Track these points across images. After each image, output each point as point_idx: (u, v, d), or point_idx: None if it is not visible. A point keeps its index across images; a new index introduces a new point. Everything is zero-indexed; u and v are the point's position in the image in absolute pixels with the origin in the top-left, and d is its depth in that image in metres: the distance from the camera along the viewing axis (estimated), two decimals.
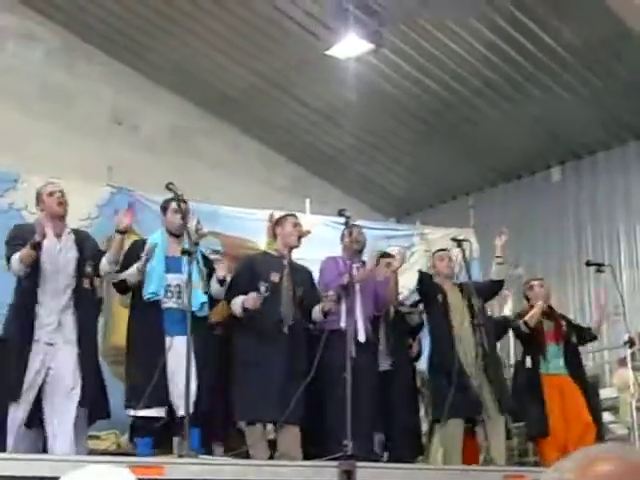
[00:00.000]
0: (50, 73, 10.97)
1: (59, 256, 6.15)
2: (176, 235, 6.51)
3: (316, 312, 6.82)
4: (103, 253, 6.38)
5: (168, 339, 6.24)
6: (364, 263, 7.34)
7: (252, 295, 6.52)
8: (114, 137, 11.27)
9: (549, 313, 8.33)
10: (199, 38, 10.92)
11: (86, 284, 6.25)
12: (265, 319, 6.60)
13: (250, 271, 6.81)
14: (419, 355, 8.26)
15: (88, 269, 6.27)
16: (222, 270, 6.49)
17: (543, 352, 8.02)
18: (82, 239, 6.35)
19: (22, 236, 6.07)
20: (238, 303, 6.61)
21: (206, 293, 6.20)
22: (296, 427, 6.53)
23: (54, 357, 5.93)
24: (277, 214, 7.43)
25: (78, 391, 5.92)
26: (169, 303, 6.33)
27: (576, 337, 8.28)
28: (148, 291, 6.34)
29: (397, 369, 7.60)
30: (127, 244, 6.87)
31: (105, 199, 8.65)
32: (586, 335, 8.40)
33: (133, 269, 6.31)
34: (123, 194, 8.76)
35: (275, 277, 6.74)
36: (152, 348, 6.22)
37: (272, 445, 6.56)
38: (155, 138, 11.71)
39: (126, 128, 11.55)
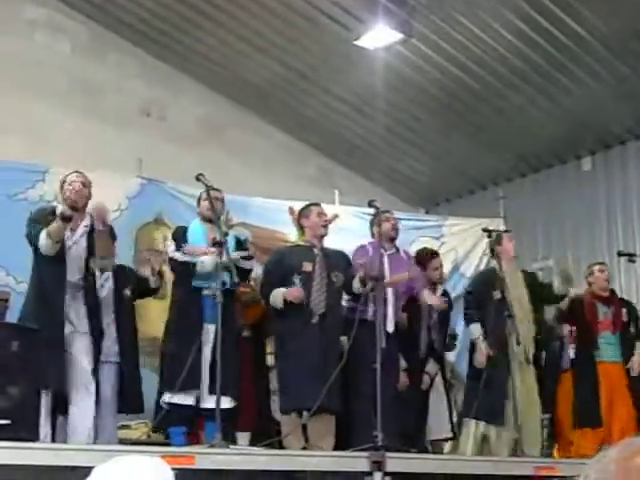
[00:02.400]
0: (79, 65, 11.01)
1: (71, 249, 6.16)
2: (210, 222, 6.56)
3: (355, 283, 6.82)
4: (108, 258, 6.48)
5: (208, 326, 6.33)
6: (398, 250, 7.35)
7: (295, 288, 6.57)
8: (144, 129, 11.31)
9: (609, 299, 8.21)
10: (228, 30, 10.92)
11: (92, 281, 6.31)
12: (295, 310, 6.62)
13: (281, 264, 6.83)
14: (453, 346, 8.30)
15: (96, 271, 6.36)
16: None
17: (594, 341, 7.92)
18: (92, 233, 6.36)
19: (44, 217, 6.11)
20: (279, 296, 6.64)
21: (236, 284, 6.28)
22: (329, 417, 6.55)
23: (70, 345, 5.98)
24: (297, 207, 7.43)
25: (93, 382, 5.97)
26: (209, 289, 6.40)
27: (634, 328, 8.18)
28: (199, 283, 6.47)
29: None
30: (160, 234, 7.00)
31: (135, 191, 8.71)
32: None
33: (212, 259, 6.34)
34: (153, 185, 8.81)
35: (308, 267, 6.76)
36: (192, 334, 6.30)
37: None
38: (184, 130, 11.73)
39: (155, 120, 11.58)
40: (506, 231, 8.10)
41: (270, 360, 7.86)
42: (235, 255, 6.47)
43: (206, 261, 6.41)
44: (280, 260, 6.91)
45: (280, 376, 6.77)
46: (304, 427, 6.63)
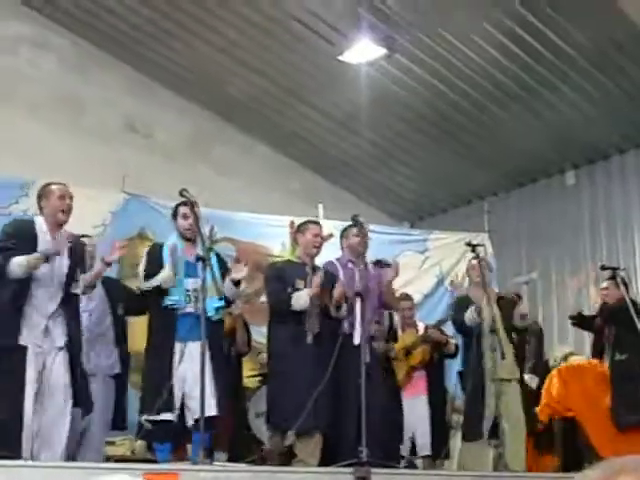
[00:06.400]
0: (64, 81, 11.01)
1: (54, 260, 5.90)
2: (189, 239, 6.48)
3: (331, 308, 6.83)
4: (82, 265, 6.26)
5: (180, 345, 6.24)
6: (366, 266, 7.24)
7: (315, 283, 6.57)
8: (128, 144, 11.31)
9: None
10: (213, 45, 10.94)
11: (76, 289, 6.08)
12: (290, 329, 6.60)
13: (279, 279, 6.78)
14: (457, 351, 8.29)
15: (79, 275, 6.14)
16: (238, 273, 6.48)
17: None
18: (75, 245, 6.16)
19: (18, 233, 5.90)
20: (302, 297, 6.59)
21: (221, 299, 6.22)
22: (317, 434, 6.52)
23: (45, 362, 5.75)
24: (298, 221, 7.39)
25: (70, 399, 5.80)
26: (187, 308, 6.30)
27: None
28: (170, 299, 6.34)
29: None
30: (144, 249, 6.91)
31: (119, 205, 8.70)
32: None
33: (168, 273, 6.30)
34: (138, 201, 8.81)
35: (300, 284, 6.71)
36: (164, 355, 6.24)
37: (290, 451, 6.56)
38: (169, 145, 11.73)
39: (140, 135, 11.58)
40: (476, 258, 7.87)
41: (251, 382, 7.86)
42: (226, 286, 6.43)
43: (166, 278, 6.33)
44: (279, 276, 6.83)
45: (271, 394, 6.68)
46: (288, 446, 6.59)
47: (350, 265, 6.96)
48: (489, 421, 7.05)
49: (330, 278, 6.91)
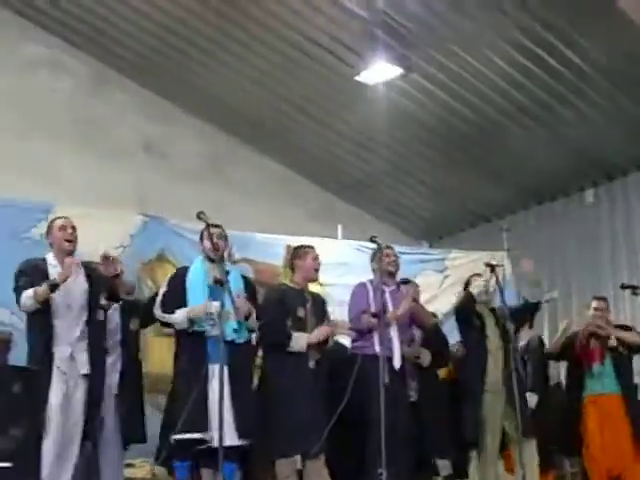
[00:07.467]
0: (81, 103, 11.05)
1: (70, 290, 6.06)
2: (214, 261, 6.42)
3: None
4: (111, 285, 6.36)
5: (213, 367, 6.16)
6: (399, 286, 7.31)
7: (319, 329, 6.61)
8: (146, 165, 11.33)
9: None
10: (229, 66, 10.97)
11: (100, 316, 6.27)
12: (293, 355, 6.57)
13: (281, 305, 6.74)
14: None
15: (102, 301, 6.28)
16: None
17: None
18: (92, 271, 6.28)
19: (30, 272, 6.04)
20: (302, 341, 6.59)
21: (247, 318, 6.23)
22: (322, 458, 6.47)
23: (67, 389, 5.88)
24: (294, 245, 7.41)
25: (81, 425, 5.91)
26: (212, 331, 6.21)
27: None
28: (199, 324, 6.29)
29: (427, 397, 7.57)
30: (167, 272, 6.88)
31: (138, 228, 8.69)
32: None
33: (184, 317, 6.28)
34: (157, 223, 8.81)
35: (301, 312, 6.71)
36: (196, 377, 6.17)
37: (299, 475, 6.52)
38: (186, 166, 11.75)
39: (158, 156, 11.60)
40: (476, 275, 7.90)
41: None
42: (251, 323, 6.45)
43: (179, 322, 6.33)
44: (280, 300, 6.78)
45: (274, 420, 6.62)
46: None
47: (383, 287, 6.97)
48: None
49: (324, 307, 6.99)
